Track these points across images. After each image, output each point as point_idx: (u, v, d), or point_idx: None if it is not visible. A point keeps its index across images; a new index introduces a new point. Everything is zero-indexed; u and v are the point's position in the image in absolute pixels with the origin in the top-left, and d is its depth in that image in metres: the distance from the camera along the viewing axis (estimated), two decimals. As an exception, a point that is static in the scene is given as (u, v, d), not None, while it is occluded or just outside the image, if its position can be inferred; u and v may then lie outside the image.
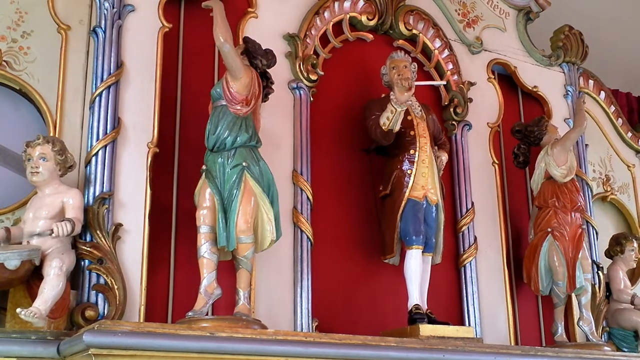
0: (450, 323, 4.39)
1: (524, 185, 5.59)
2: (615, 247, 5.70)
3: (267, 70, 4.07)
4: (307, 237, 4.40)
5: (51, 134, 3.86)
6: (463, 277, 5.00)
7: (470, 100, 5.32)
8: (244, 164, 3.79)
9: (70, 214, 3.58)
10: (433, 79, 5.27)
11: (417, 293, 4.36)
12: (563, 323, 5.06)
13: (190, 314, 3.60)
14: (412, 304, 4.33)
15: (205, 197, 3.77)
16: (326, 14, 4.90)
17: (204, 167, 3.83)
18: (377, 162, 4.77)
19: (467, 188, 5.17)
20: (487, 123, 5.49)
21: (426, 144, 4.59)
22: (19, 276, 3.39)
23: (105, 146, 3.90)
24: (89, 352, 3.02)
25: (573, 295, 5.08)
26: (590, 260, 5.09)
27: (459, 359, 3.88)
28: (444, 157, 4.82)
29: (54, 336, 3.39)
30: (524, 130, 5.39)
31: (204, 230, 3.75)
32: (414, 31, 5.26)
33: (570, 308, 5.26)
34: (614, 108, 6.37)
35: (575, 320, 5.17)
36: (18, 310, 3.23)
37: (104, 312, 3.69)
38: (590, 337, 4.93)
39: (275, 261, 4.27)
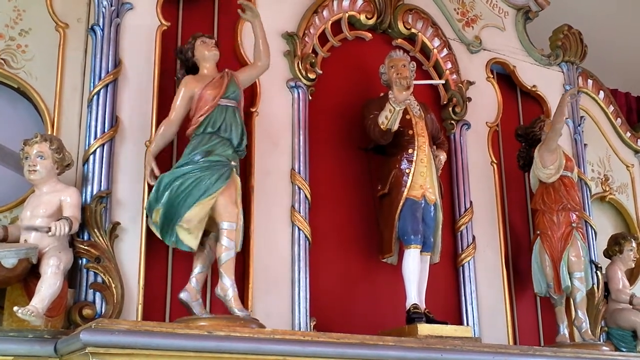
0: (449, 322, 4.38)
1: (522, 184, 5.58)
2: (614, 247, 5.70)
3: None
4: (305, 236, 4.39)
5: (49, 132, 3.85)
6: (461, 276, 4.99)
7: (469, 99, 5.32)
8: None
9: (68, 212, 3.58)
10: (432, 78, 5.26)
11: (415, 292, 4.35)
12: (565, 323, 5.04)
13: (241, 314, 3.63)
14: (410, 303, 4.33)
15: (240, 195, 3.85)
16: (325, 13, 4.89)
17: (234, 162, 3.85)
18: (376, 161, 4.77)
19: (466, 187, 5.17)
20: (486, 122, 5.49)
21: (425, 143, 4.59)
22: (16, 274, 3.38)
23: (103, 144, 3.89)
24: (86, 351, 3.01)
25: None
26: (582, 259, 5.04)
27: (457, 359, 3.88)
28: (443, 157, 4.81)
29: (51, 335, 3.38)
30: (523, 132, 5.41)
31: (236, 227, 3.78)
32: (413, 30, 5.25)
33: (569, 308, 5.26)
34: (613, 108, 6.37)
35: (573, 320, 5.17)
36: (15, 308, 3.22)
37: (101, 311, 3.68)
38: (583, 336, 4.92)
39: (273, 260, 4.27)
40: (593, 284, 5.33)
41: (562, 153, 5.17)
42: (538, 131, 5.33)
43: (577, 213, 5.13)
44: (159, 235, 3.75)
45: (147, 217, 3.83)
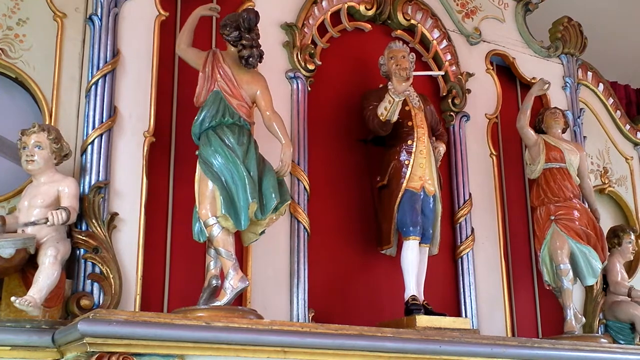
0: (447, 314, 4.38)
1: (521, 176, 5.57)
2: (613, 239, 5.68)
3: (242, 34, 3.89)
4: (304, 228, 4.38)
5: (47, 122, 3.84)
6: (460, 268, 4.99)
7: (469, 91, 5.31)
8: (196, 153, 3.83)
9: (66, 202, 3.57)
10: (431, 70, 5.25)
11: (413, 284, 4.34)
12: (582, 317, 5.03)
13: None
14: (408, 295, 4.32)
15: None
16: (324, 4, 4.87)
17: None
18: (375, 153, 4.75)
19: (465, 179, 5.16)
20: (485, 114, 5.48)
21: (424, 135, 4.57)
22: (14, 265, 3.37)
23: (101, 135, 3.88)
24: (84, 341, 3.00)
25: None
26: (566, 250, 5.00)
27: (455, 350, 3.87)
28: (442, 148, 4.80)
29: (49, 325, 3.38)
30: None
31: None
32: (413, 21, 5.23)
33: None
34: (613, 100, 6.36)
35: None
36: (13, 298, 3.22)
37: (99, 302, 3.68)
38: (564, 327, 4.91)
39: (272, 251, 4.27)
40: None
41: (542, 146, 5.17)
42: (538, 125, 5.37)
43: (560, 204, 5.10)
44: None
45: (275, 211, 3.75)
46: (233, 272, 3.59)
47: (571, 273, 4.98)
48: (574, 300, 5.04)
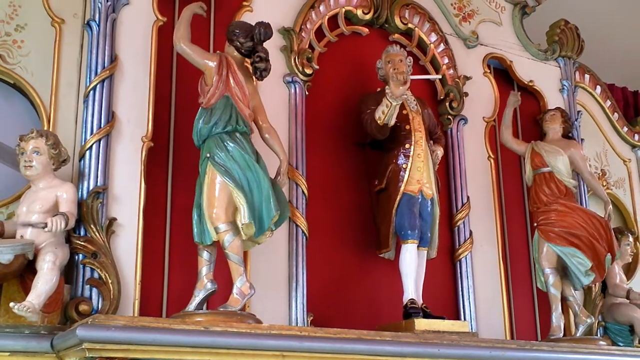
0: (446, 317, 4.37)
1: (519, 179, 5.58)
2: (611, 241, 5.69)
3: (257, 46, 3.95)
4: (302, 232, 4.39)
5: (45, 128, 3.84)
6: (458, 271, 4.99)
7: (466, 94, 5.31)
8: (207, 155, 3.73)
9: (64, 208, 3.57)
10: (429, 73, 5.26)
11: (412, 287, 4.35)
12: (580, 316, 5.03)
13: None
14: (407, 299, 4.33)
15: None
16: (321, 8, 4.88)
17: None
18: (373, 157, 4.76)
19: (463, 182, 5.17)
20: (483, 117, 5.49)
21: (422, 138, 4.58)
22: (12, 270, 3.37)
23: (100, 140, 3.88)
24: (83, 347, 3.00)
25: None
26: (547, 256, 5.00)
27: (454, 353, 3.87)
28: (440, 152, 4.81)
29: (48, 330, 3.38)
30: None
31: None
32: (410, 25, 5.24)
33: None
34: (610, 102, 6.37)
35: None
36: (11, 304, 3.21)
37: (97, 307, 3.67)
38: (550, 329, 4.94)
39: (270, 255, 4.26)
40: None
41: (528, 154, 5.20)
42: (541, 131, 5.41)
43: (540, 210, 5.09)
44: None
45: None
46: (244, 278, 3.63)
47: (552, 278, 4.96)
48: (578, 302, 5.09)
